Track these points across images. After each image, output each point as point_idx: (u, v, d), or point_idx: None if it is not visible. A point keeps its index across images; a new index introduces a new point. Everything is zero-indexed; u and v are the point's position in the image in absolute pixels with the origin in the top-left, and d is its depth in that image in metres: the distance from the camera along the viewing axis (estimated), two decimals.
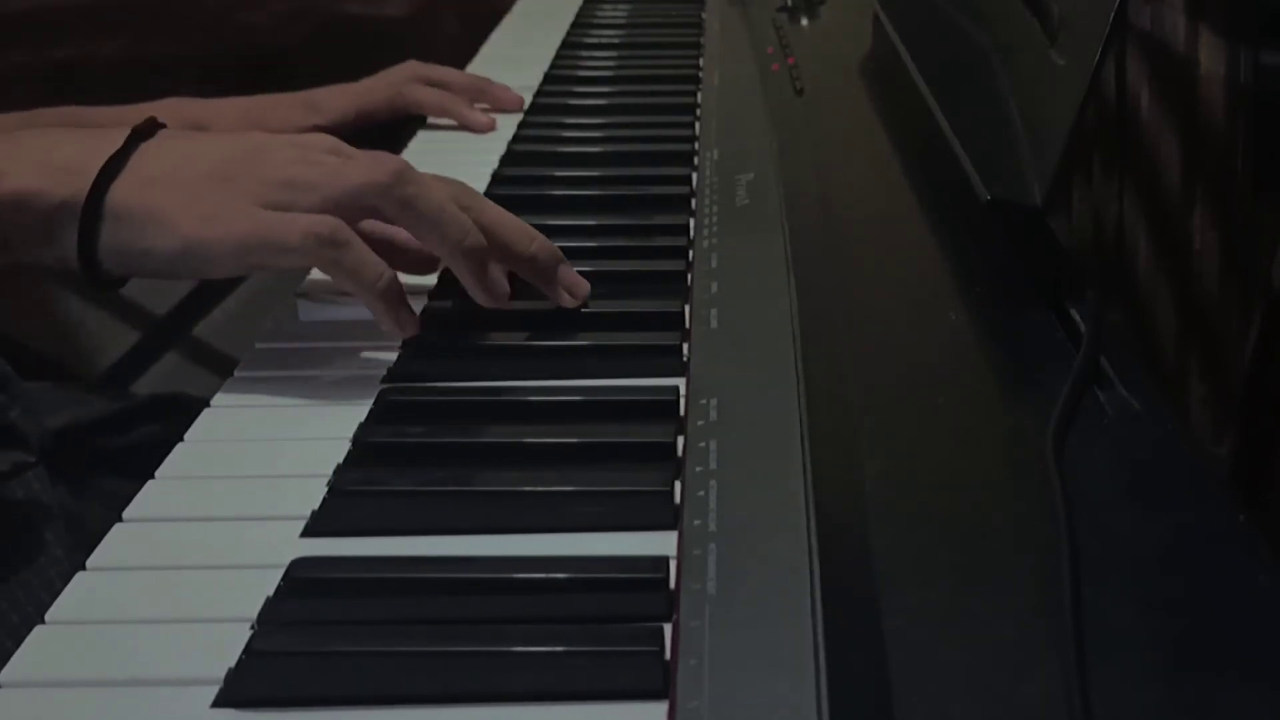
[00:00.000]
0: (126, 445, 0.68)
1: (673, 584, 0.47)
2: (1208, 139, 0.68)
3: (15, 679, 0.44)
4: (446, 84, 1.05)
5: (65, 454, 0.65)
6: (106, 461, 0.66)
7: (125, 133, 0.62)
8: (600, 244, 0.77)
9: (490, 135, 1.00)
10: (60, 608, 0.47)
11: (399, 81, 1.04)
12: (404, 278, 0.65)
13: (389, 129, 1.04)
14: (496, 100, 1.06)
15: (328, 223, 0.60)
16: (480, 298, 0.65)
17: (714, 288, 0.68)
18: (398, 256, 0.67)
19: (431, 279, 0.71)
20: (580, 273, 0.71)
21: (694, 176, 0.86)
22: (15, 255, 0.61)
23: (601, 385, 0.62)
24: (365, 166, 0.62)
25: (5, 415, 0.60)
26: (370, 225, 0.65)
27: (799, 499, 0.49)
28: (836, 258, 0.70)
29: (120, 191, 0.60)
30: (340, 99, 1.01)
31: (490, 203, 0.67)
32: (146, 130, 0.63)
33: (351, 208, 0.62)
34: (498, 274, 0.65)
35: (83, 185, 0.60)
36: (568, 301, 0.67)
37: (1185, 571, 0.45)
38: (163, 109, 0.95)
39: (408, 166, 0.63)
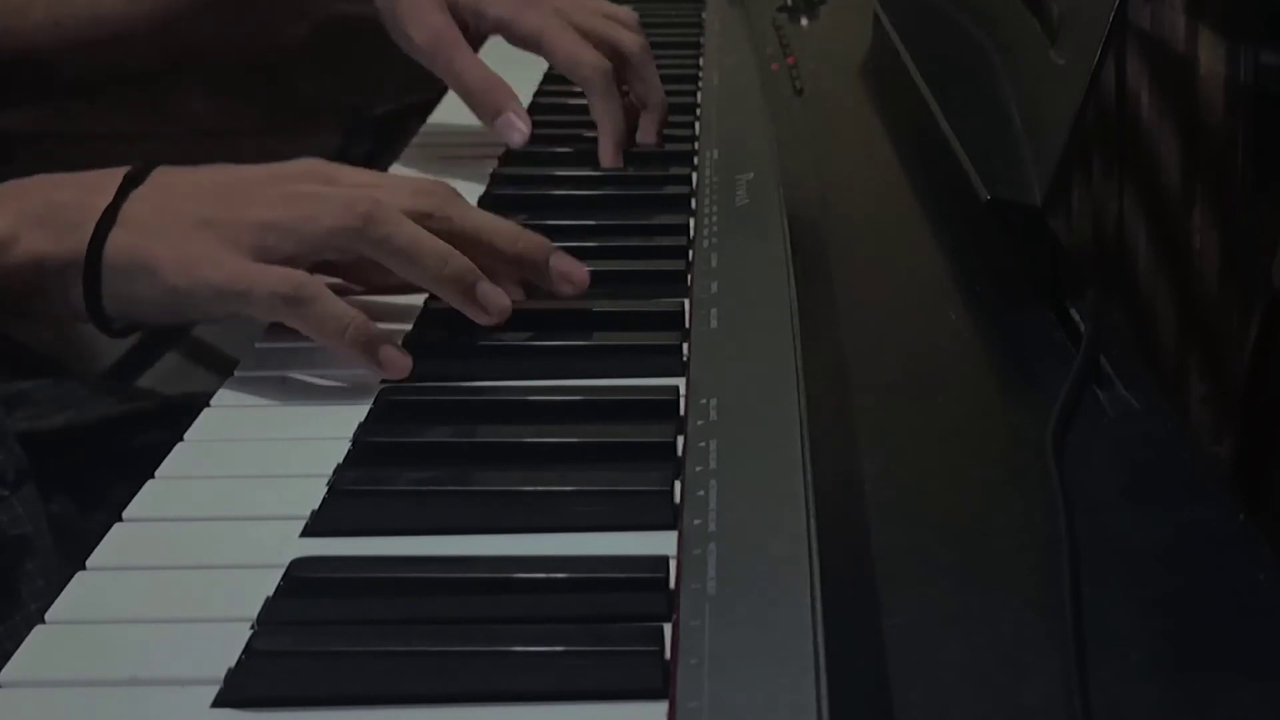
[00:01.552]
0: (129, 447, 0.68)
1: (673, 584, 0.47)
2: (1207, 139, 0.68)
3: (15, 679, 0.44)
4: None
5: (64, 458, 0.64)
6: (107, 464, 0.66)
7: (119, 180, 0.64)
8: (600, 244, 0.77)
9: (490, 135, 1.00)
10: (60, 607, 0.47)
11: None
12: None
13: (390, 127, 1.04)
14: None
15: (291, 280, 0.61)
16: (478, 318, 0.65)
17: (714, 287, 0.68)
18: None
19: None
20: None
21: (694, 176, 0.86)
22: (34, 311, 0.64)
23: (601, 385, 0.62)
24: (337, 210, 0.63)
25: None
26: None
27: (799, 499, 0.49)
28: (836, 258, 0.70)
29: (115, 244, 0.62)
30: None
31: (469, 208, 0.67)
32: (138, 175, 0.65)
33: (326, 251, 0.63)
34: (489, 290, 0.65)
35: (83, 240, 0.62)
36: (568, 290, 0.67)
37: (1185, 571, 0.45)
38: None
39: (379, 205, 0.63)
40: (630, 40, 0.92)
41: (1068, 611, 0.42)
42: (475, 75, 0.89)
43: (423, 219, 0.64)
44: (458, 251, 0.64)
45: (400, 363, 0.62)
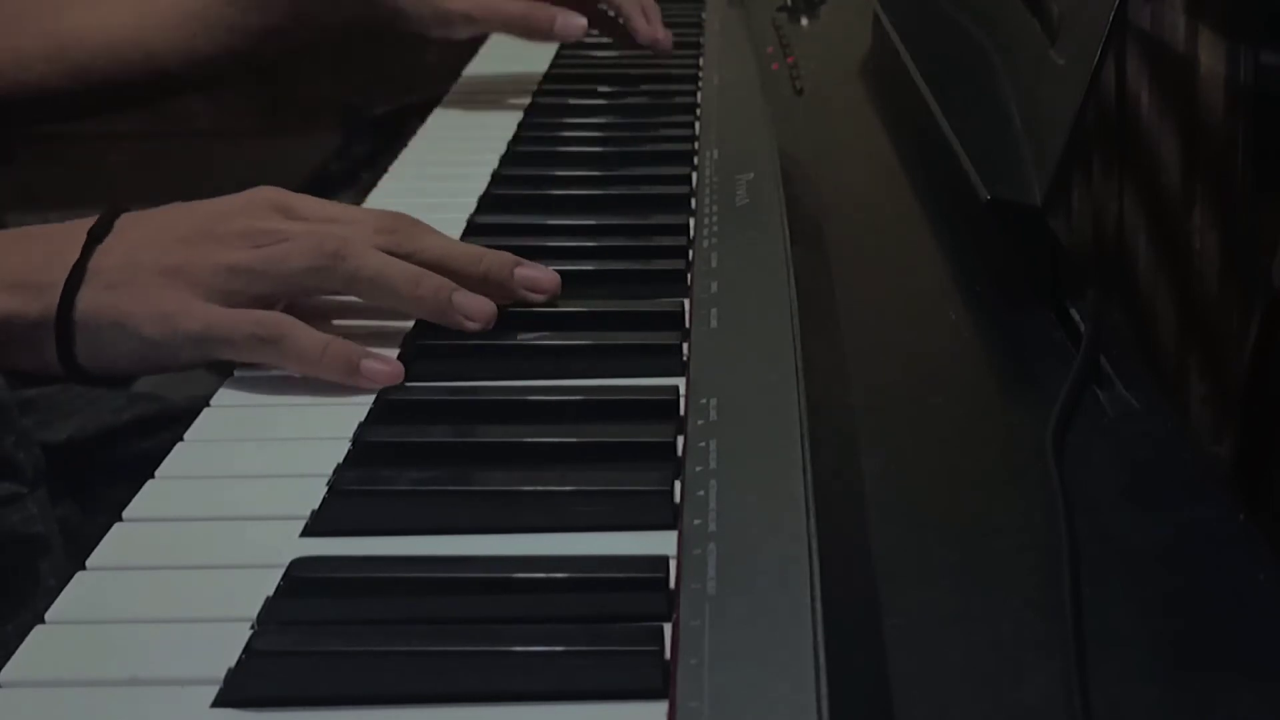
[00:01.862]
0: (135, 453, 0.68)
1: (673, 583, 0.47)
2: (1207, 139, 0.68)
3: (15, 679, 0.44)
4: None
5: (70, 467, 0.65)
6: (114, 471, 0.66)
7: (84, 235, 0.64)
8: (600, 244, 0.77)
9: (490, 135, 1.00)
10: (60, 607, 0.47)
11: None
12: None
13: (390, 127, 1.04)
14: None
15: (264, 321, 0.62)
16: (465, 327, 0.65)
17: (714, 287, 0.68)
18: None
19: None
20: (580, 273, 0.71)
21: (694, 176, 0.86)
22: (7, 367, 0.63)
23: (601, 385, 0.62)
24: (305, 249, 0.63)
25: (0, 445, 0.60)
26: None
27: (799, 499, 0.49)
28: (836, 257, 0.70)
29: (85, 302, 0.63)
30: None
31: (431, 234, 0.68)
32: (101, 229, 0.65)
33: (297, 290, 0.65)
34: (466, 299, 0.65)
35: (52, 301, 0.62)
36: (540, 299, 0.67)
37: (1185, 571, 0.45)
38: None
39: (346, 241, 0.64)
40: None
41: (1068, 611, 0.42)
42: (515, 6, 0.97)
43: (389, 249, 0.65)
44: (428, 271, 0.65)
45: (385, 372, 0.62)
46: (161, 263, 0.63)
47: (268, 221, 0.65)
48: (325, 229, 0.65)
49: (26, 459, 0.60)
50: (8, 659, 0.45)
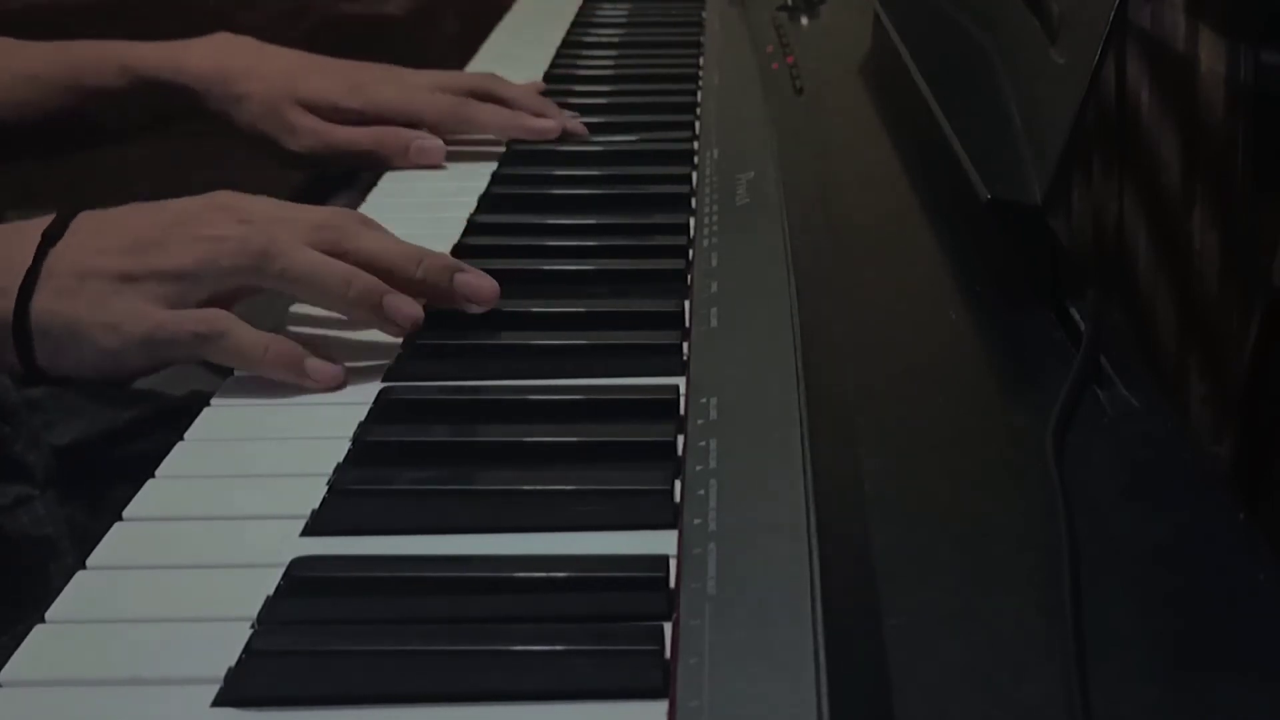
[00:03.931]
0: (138, 453, 0.68)
1: (673, 583, 0.47)
2: (1208, 138, 0.68)
3: (15, 678, 0.44)
4: (509, 100, 0.98)
5: (75, 469, 0.65)
6: (118, 472, 0.66)
7: (38, 238, 0.65)
8: (600, 243, 0.77)
9: (490, 135, 1.00)
10: (60, 607, 0.47)
11: (458, 94, 0.98)
12: None
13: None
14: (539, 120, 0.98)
15: (204, 320, 0.64)
16: (391, 332, 0.66)
17: (714, 287, 0.68)
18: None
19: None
20: (580, 272, 0.71)
21: (694, 175, 0.86)
22: None
23: (601, 384, 0.62)
24: (233, 250, 0.65)
25: (9, 448, 0.61)
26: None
27: (799, 499, 0.49)
28: (836, 257, 0.70)
29: (39, 307, 0.64)
30: (388, 91, 0.97)
31: (369, 231, 0.68)
32: (55, 232, 0.66)
33: (232, 286, 0.65)
34: (396, 302, 0.65)
35: (8, 307, 0.64)
36: (476, 309, 0.67)
37: (1185, 571, 0.45)
38: (213, 44, 0.97)
39: (274, 240, 0.65)
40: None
41: (1068, 611, 0.42)
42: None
43: (325, 248, 0.66)
44: (361, 271, 0.65)
45: (327, 373, 0.63)
46: (110, 269, 0.64)
47: (214, 226, 0.66)
48: (258, 229, 0.66)
49: (37, 461, 0.60)
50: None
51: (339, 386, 0.63)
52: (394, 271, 0.66)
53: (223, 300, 0.65)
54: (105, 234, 0.67)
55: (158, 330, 0.64)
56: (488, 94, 0.98)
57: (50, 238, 0.66)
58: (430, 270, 0.67)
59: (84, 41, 0.97)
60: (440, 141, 0.94)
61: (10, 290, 0.64)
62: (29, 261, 0.64)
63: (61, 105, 0.97)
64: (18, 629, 0.47)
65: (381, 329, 0.66)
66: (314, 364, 0.63)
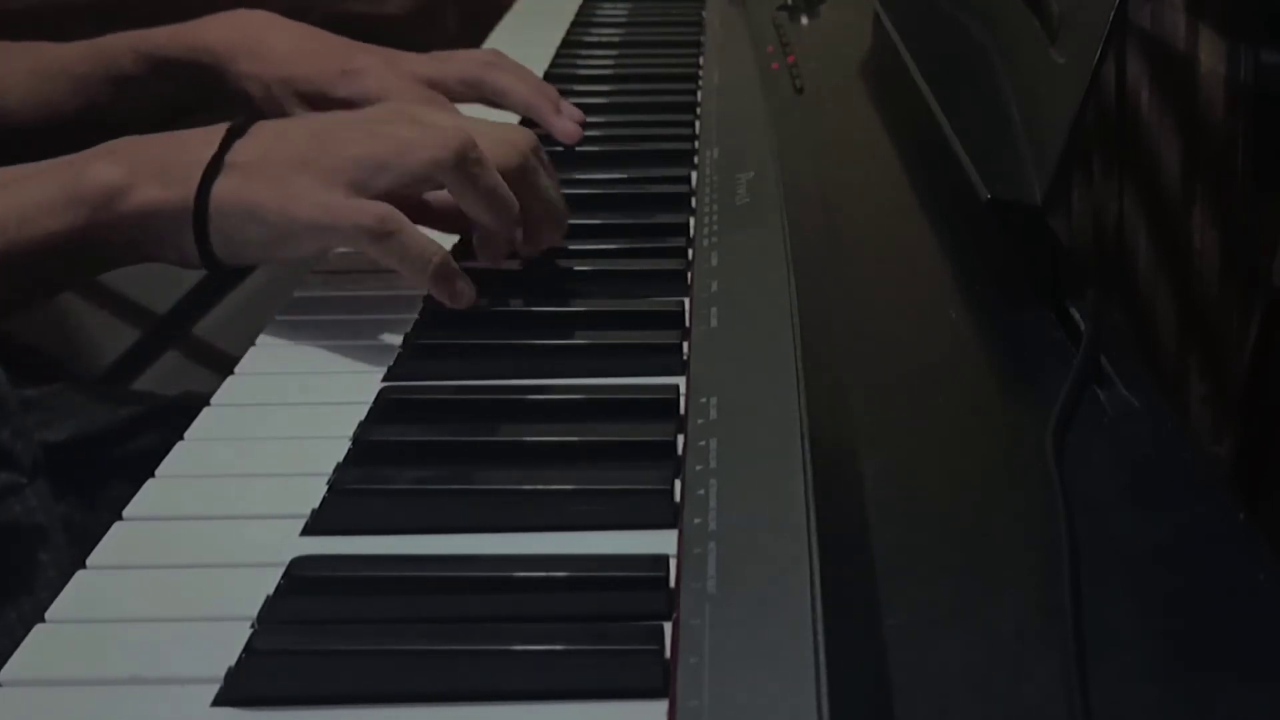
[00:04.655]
0: (135, 452, 0.68)
1: (673, 582, 0.47)
2: (1208, 138, 0.68)
3: (15, 678, 0.44)
4: (505, 94, 0.97)
5: (72, 466, 0.65)
6: (115, 470, 0.67)
7: (223, 132, 0.67)
8: (600, 244, 0.77)
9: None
10: (60, 606, 0.47)
11: (481, 62, 0.97)
12: None
13: None
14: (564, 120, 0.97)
15: (377, 213, 0.64)
16: (495, 262, 0.69)
17: (714, 286, 0.68)
18: (430, 214, 0.71)
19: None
20: (580, 272, 0.71)
21: (694, 175, 0.86)
22: (146, 256, 0.67)
23: (602, 384, 0.62)
24: (433, 142, 0.66)
25: None
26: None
27: (799, 498, 0.49)
28: (836, 257, 0.70)
29: (220, 190, 0.65)
30: (419, 65, 0.95)
31: (547, 181, 0.71)
32: (240, 127, 0.68)
33: (420, 183, 0.67)
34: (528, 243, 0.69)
35: (191, 188, 0.65)
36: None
37: (1185, 571, 0.45)
38: (233, 18, 0.96)
39: (471, 141, 0.66)
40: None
41: (1068, 611, 0.42)
42: None
43: (505, 169, 0.68)
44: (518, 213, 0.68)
45: (469, 295, 0.66)
46: (293, 155, 0.66)
47: (398, 127, 0.67)
48: (454, 128, 0.67)
49: (24, 450, 0.60)
50: (13, 647, 0.45)
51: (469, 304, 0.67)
52: (552, 218, 0.71)
53: (396, 199, 0.66)
54: (289, 130, 0.69)
55: (324, 214, 0.64)
56: (482, 85, 0.96)
57: (235, 132, 0.67)
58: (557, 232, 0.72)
59: (109, 35, 0.97)
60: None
61: (193, 175, 0.65)
62: (214, 151, 0.66)
63: (94, 101, 0.97)
64: (8, 616, 0.47)
65: (485, 258, 0.69)
66: (463, 286, 0.66)
